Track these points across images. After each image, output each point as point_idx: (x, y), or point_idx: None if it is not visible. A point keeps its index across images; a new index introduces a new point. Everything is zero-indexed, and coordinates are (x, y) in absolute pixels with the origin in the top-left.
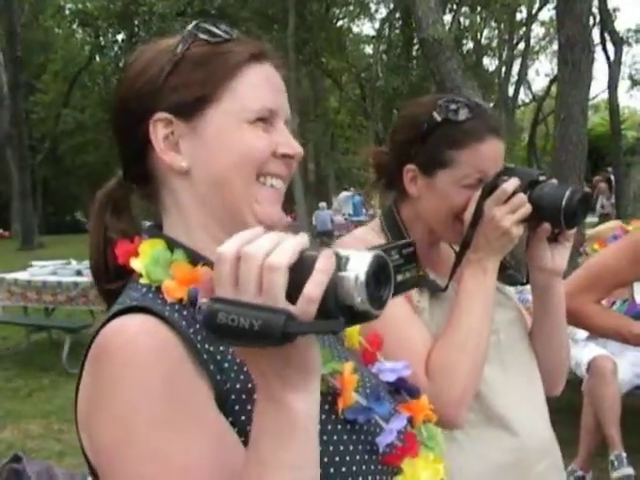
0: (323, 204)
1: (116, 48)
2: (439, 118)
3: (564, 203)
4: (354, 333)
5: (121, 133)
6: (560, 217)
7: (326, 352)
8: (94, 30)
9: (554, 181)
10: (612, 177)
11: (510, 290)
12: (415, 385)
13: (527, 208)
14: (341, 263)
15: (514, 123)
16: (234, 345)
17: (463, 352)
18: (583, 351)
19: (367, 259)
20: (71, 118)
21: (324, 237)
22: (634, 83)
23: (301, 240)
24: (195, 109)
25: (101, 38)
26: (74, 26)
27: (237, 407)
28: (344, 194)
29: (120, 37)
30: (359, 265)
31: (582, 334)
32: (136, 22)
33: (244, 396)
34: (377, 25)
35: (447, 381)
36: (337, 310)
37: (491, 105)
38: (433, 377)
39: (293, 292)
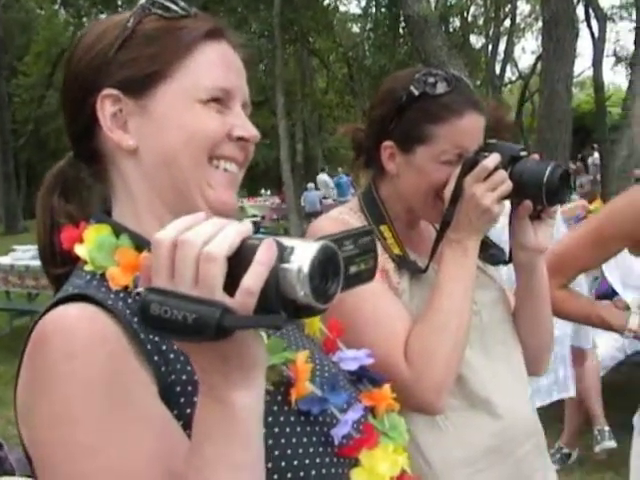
0: (311, 185)
1: None
2: (416, 92)
3: (545, 179)
4: (315, 320)
5: (69, 109)
6: (542, 194)
7: (278, 341)
8: (76, 10)
9: (535, 156)
10: (596, 154)
11: (494, 270)
12: (378, 374)
13: (508, 185)
14: (284, 254)
15: (501, 101)
16: (169, 338)
17: (443, 335)
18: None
19: (312, 250)
20: (55, 100)
21: (313, 218)
22: (618, 60)
23: (243, 228)
24: (145, 86)
25: (84, 19)
26: (56, 6)
27: (183, 399)
28: (321, 176)
29: (103, 17)
30: (303, 256)
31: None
32: (119, 2)
33: (190, 388)
34: (363, 3)
35: (427, 365)
36: (278, 304)
37: (478, 83)
38: (412, 361)
39: (232, 284)
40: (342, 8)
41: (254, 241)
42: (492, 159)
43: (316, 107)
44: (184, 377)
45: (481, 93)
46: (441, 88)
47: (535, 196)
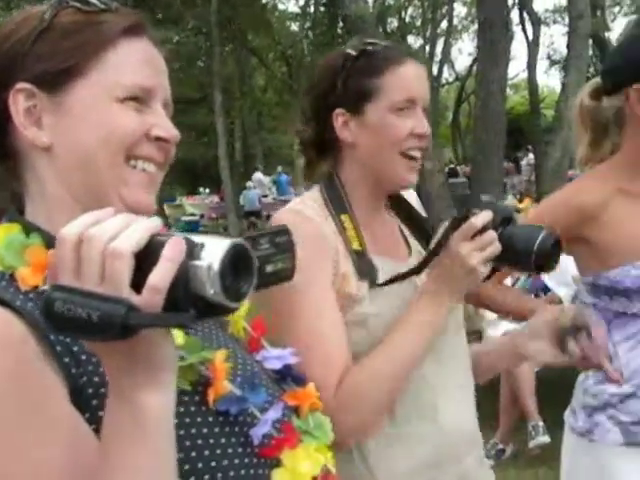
0: (250, 184)
1: None
2: (354, 52)
3: (536, 246)
4: (238, 319)
5: None
6: (531, 261)
7: (196, 340)
8: (6, 3)
9: (526, 220)
10: (531, 155)
11: None
12: (302, 373)
13: (496, 247)
14: (194, 250)
15: (438, 102)
16: (75, 337)
17: (382, 384)
18: (496, 329)
19: (223, 247)
20: None
21: (252, 217)
22: (552, 63)
23: (151, 224)
24: (60, 81)
25: (13, 11)
26: None
27: (95, 402)
28: (257, 175)
29: None
30: (214, 253)
31: (492, 313)
32: None
33: (103, 390)
34: (302, 2)
35: (354, 408)
36: (188, 302)
37: None
38: (341, 397)
39: (139, 281)
40: (281, 7)
41: (163, 237)
42: (481, 217)
43: (255, 105)
44: (96, 379)
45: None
46: (378, 46)
47: (523, 262)
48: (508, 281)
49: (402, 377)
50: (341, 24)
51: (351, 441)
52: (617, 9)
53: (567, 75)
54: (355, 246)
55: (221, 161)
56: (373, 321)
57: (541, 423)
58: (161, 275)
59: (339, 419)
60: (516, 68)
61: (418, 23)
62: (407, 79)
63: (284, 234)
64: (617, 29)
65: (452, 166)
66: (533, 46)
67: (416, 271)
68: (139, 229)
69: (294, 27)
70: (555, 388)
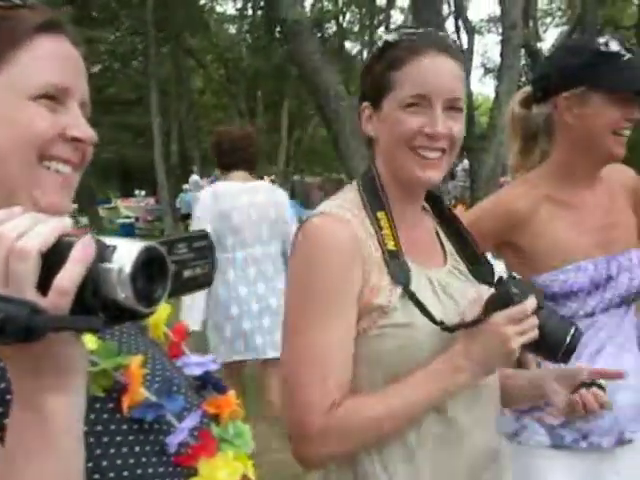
0: (187, 186)
1: None
2: (382, 43)
3: (568, 340)
4: (159, 324)
5: None
6: (559, 353)
7: (111, 345)
8: None
9: (554, 309)
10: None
11: (485, 290)
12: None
13: (535, 334)
14: (105, 253)
15: None
16: None
17: (378, 430)
18: None
19: (136, 250)
20: None
21: (188, 220)
22: (487, 71)
23: (60, 224)
24: None
25: None
26: None
27: (1, 409)
28: (193, 177)
29: None
30: (126, 256)
31: None
32: None
33: (8, 397)
34: (239, 4)
35: (337, 440)
36: (97, 305)
37: (353, 90)
38: (331, 424)
39: (46, 282)
40: (219, 9)
41: (72, 238)
42: (532, 303)
43: (193, 108)
44: (2, 385)
45: (358, 99)
46: (404, 35)
47: (551, 352)
48: None
49: (398, 426)
50: (279, 28)
51: (321, 464)
52: (549, 20)
53: (500, 84)
54: (390, 246)
55: (157, 163)
56: (404, 332)
57: None
58: (68, 277)
59: (321, 442)
60: None
61: (356, 29)
62: (421, 73)
63: (203, 239)
64: (549, 40)
65: None
66: (468, 54)
67: (450, 330)
68: (46, 229)
69: (232, 30)
70: None
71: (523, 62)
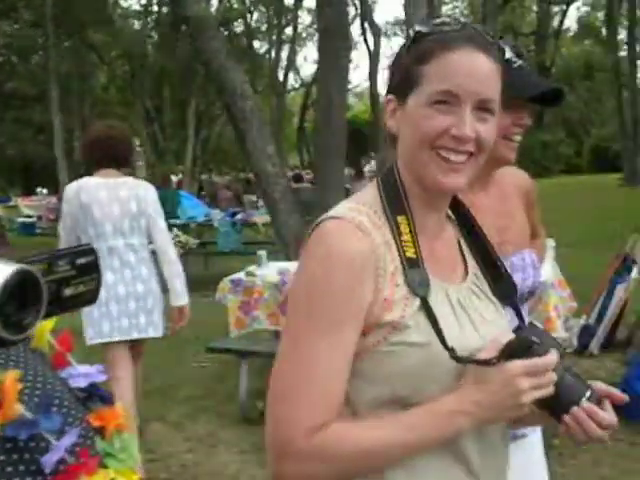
0: None
1: None
2: (412, 33)
3: (583, 402)
4: (43, 332)
5: None
6: (567, 412)
7: None
8: None
9: (569, 365)
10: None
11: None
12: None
13: (550, 390)
14: None
15: (285, 107)
16: None
17: (365, 461)
18: None
19: (4, 275)
20: None
21: None
22: None
23: None
24: None
25: None
26: None
27: None
28: None
29: None
30: None
31: None
32: None
33: None
34: (144, 0)
35: (318, 468)
36: None
37: (260, 89)
38: (316, 448)
39: None
40: (123, 3)
41: None
42: (553, 358)
43: (96, 104)
44: None
45: (264, 98)
46: (437, 26)
47: (560, 410)
48: None
49: (383, 462)
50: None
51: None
52: None
53: None
54: (410, 254)
55: (59, 161)
56: (418, 352)
57: None
58: None
59: (301, 461)
60: (360, 77)
61: (264, 28)
62: (452, 69)
63: (88, 254)
64: None
65: (297, 171)
66: (374, 57)
67: (459, 360)
68: None
69: (137, 25)
70: None
71: None
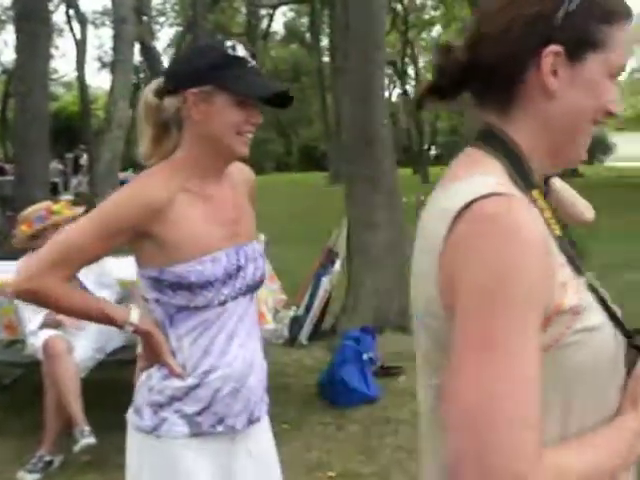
0: None
1: None
2: None
3: None
4: None
5: None
6: None
7: None
8: None
9: None
10: (85, 155)
11: None
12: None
13: None
14: None
15: None
16: None
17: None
18: (37, 336)
19: None
20: None
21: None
22: (103, 65)
23: None
24: None
25: None
26: None
27: None
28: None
29: None
30: None
31: (35, 325)
32: None
33: None
34: None
35: None
36: None
37: None
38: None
39: None
40: None
41: None
42: None
43: None
44: None
45: None
46: None
47: None
48: None
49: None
50: None
51: None
52: (163, 19)
53: (114, 78)
54: (557, 231)
55: None
56: (596, 337)
57: (87, 428)
58: None
59: None
60: (68, 66)
61: None
62: (629, 42)
63: None
64: (164, 38)
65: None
66: (81, 45)
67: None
68: None
69: None
70: (106, 391)
71: (142, 58)
